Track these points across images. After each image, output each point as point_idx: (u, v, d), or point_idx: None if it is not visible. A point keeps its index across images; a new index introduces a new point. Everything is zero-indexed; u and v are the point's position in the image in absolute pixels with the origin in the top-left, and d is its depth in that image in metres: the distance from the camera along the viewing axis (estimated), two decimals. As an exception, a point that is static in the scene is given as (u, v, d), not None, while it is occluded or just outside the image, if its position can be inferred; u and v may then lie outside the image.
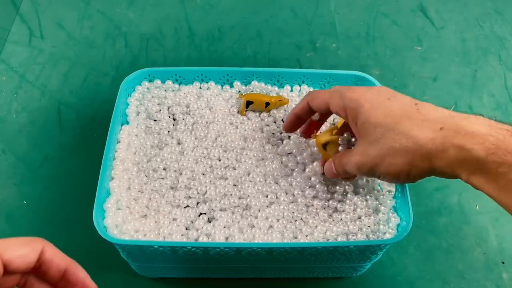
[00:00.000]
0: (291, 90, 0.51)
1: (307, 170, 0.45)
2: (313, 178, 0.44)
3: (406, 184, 0.42)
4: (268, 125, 0.49)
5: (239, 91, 0.51)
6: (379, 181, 0.44)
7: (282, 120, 0.49)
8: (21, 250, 0.25)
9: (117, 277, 0.48)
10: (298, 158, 0.46)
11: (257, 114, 0.50)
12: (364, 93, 0.37)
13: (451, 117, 0.33)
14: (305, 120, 0.45)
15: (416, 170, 0.34)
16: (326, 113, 0.43)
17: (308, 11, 0.73)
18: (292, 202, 0.43)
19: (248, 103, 0.49)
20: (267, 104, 0.49)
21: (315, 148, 0.46)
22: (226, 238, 0.41)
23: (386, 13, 0.73)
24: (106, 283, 0.47)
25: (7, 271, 0.25)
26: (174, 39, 0.69)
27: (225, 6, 0.73)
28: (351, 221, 0.42)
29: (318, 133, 0.45)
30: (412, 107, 0.35)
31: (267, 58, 0.67)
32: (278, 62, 0.67)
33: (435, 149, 0.32)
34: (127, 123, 0.49)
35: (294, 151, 0.47)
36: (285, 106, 0.50)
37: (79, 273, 0.27)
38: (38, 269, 0.26)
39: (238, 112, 0.50)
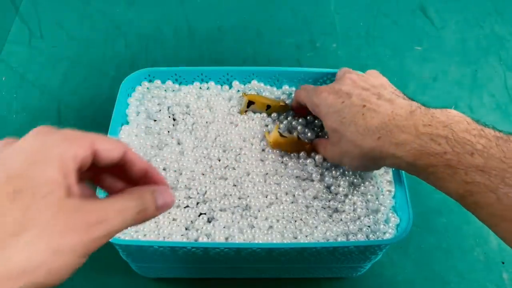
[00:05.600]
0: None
1: (308, 170, 0.45)
2: (314, 178, 0.44)
3: (406, 184, 0.42)
4: (268, 125, 0.49)
5: (238, 90, 0.51)
6: (378, 180, 0.45)
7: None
8: (108, 145, 0.26)
9: (117, 278, 0.48)
10: (299, 158, 0.46)
11: (257, 114, 0.50)
12: (325, 98, 0.41)
13: (388, 123, 0.36)
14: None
15: (371, 167, 0.41)
16: None
17: (308, 11, 0.73)
18: (292, 203, 0.43)
19: (250, 103, 0.49)
20: (268, 107, 0.49)
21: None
22: (226, 238, 0.41)
23: (386, 13, 0.73)
24: (106, 283, 0.47)
25: (94, 161, 0.26)
26: (174, 39, 0.69)
27: (225, 6, 0.73)
28: (351, 221, 0.42)
29: (269, 133, 0.47)
30: (359, 111, 0.38)
31: (267, 58, 0.67)
32: (278, 62, 0.67)
33: (377, 156, 0.37)
34: (127, 123, 0.49)
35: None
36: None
37: (157, 174, 0.29)
38: (121, 168, 0.28)
39: (239, 111, 0.50)
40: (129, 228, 0.41)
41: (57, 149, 0.23)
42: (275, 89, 0.51)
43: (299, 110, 0.48)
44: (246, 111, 0.49)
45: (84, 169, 0.25)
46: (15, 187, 0.21)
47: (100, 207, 0.24)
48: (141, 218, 0.26)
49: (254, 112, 0.50)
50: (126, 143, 0.28)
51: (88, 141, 0.25)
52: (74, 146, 0.24)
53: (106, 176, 0.29)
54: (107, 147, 0.26)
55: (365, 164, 0.40)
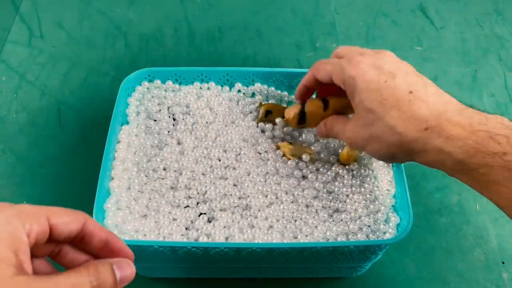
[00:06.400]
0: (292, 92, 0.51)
1: (308, 170, 0.45)
2: (312, 177, 0.44)
3: (406, 184, 0.42)
4: (267, 125, 0.49)
5: (239, 91, 0.51)
6: (379, 180, 0.45)
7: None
8: (66, 217, 0.26)
9: (117, 277, 0.48)
10: (299, 158, 0.46)
11: (257, 114, 0.50)
12: (364, 72, 0.37)
13: (438, 115, 0.34)
14: (315, 90, 0.44)
15: (398, 159, 0.38)
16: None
17: (308, 11, 0.73)
18: (292, 202, 0.43)
19: (267, 113, 0.48)
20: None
21: (317, 148, 0.46)
22: (226, 238, 0.41)
23: (386, 13, 0.73)
24: (106, 283, 0.47)
25: (51, 235, 0.25)
26: (174, 39, 0.69)
27: (225, 6, 0.73)
28: (351, 221, 0.42)
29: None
30: (405, 96, 0.35)
31: (267, 58, 0.67)
32: (278, 62, 0.67)
33: (418, 149, 0.34)
34: (127, 123, 0.49)
35: (294, 151, 0.46)
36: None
37: (119, 243, 0.28)
38: (81, 240, 0.27)
39: (256, 121, 0.49)
40: (128, 227, 0.41)
41: (9, 226, 0.23)
42: (286, 93, 0.51)
43: (306, 94, 0.44)
44: (264, 121, 0.48)
45: (42, 243, 0.25)
46: None
47: (51, 283, 0.23)
48: None
49: (272, 122, 0.48)
50: (85, 213, 0.28)
51: (43, 215, 0.25)
52: (28, 222, 0.24)
53: (68, 250, 0.28)
54: (64, 221, 0.26)
55: (395, 154, 0.36)
